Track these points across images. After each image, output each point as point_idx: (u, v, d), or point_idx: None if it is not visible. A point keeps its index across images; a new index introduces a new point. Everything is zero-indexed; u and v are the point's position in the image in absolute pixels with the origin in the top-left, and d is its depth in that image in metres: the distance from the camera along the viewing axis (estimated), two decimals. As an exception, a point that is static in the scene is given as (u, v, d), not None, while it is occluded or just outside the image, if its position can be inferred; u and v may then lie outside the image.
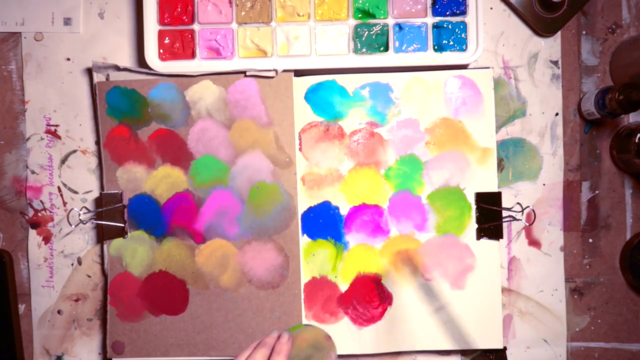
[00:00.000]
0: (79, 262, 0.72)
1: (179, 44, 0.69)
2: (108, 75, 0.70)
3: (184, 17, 0.69)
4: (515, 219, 0.70)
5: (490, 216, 0.69)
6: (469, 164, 0.70)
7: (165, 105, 0.69)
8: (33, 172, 0.72)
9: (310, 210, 0.70)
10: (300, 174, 0.70)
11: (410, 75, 0.70)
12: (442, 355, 0.72)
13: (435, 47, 0.69)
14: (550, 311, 0.72)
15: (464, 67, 0.70)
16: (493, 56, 0.72)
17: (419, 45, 0.69)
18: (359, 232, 0.70)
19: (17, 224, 0.72)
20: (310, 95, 0.70)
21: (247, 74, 0.68)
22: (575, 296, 0.73)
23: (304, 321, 0.69)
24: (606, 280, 0.73)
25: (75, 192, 0.72)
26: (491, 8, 0.72)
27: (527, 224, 0.71)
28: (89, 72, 0.71)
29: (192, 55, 0.69)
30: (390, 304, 0.70)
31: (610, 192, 0.73)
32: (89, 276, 0.72)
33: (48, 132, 0.72)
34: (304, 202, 0.70)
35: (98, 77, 0.70)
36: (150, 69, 0.69)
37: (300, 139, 0.70)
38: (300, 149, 0.70)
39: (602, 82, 0.73)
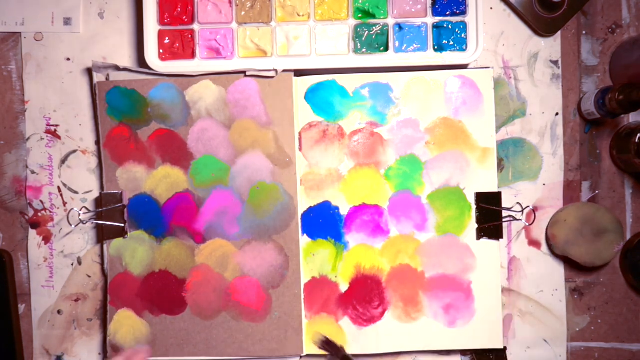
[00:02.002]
0: (79, 262, 0.72)
1: (179, 44, 0.69)
2: (108, 75, 0.69)
3: (184, 17, 0.69)
4: (515, 219, 0.70)
5: (490, 216, 0.69)
6: (469, 163, 0.70)
7: (165, 105, 0.69)
8: (33, 172, 0.72)
9: (310, 210, 0.70)
10: (300, 174, 0.70)
11: (410, 75, 0.70)
12: (442, 355, 0.72)
13: (435, 47, 0.69)
14: (550, 311, 0.72)
15: (464, 67, 0.70)
16: (493, 56, 0.72)
17: (419, 45, 0.69)
18: (359, 232, 0.70)
19: (17, 224, 0.72)
20: (310, 95, 0.70)
21: (247, 74, 0.68)
22: (575, 296, 0.73)
23: (304, 321, 0.69)
24: (606, 280, 0.73)
25: (75, 192, 0.72)
26: (491, 8, 0.72)
27: (527, 224, 0.71)
28: (89, 72, 0.71)
29: (192, 55, 0.69)
30: (390, 303, 0.70)
31: (610, 192, 0.73)
32: (89, 276, 0.72)
33: (48, 132, 0.72)
34: (304, 202, 0.70)
35: (98, 77, 0.69)
36: (150, 69, 0.68)
37: (300, 139, 0.70)
38: (300, 149, 0.70)
39: (602, 82, 0.72)
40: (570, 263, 0.72)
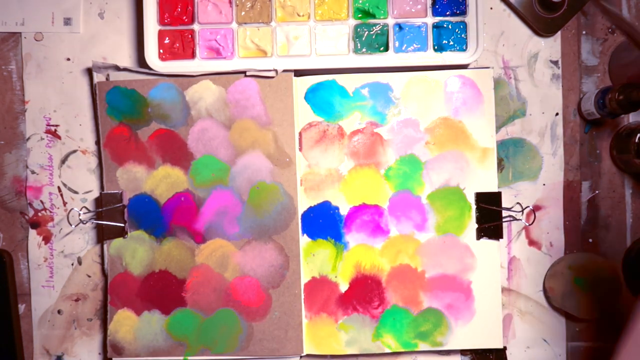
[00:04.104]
0: (79, 262, 0.71)
1: (179, 44, 0.69)
2: (108, 75, 0.69)
3: (184, 17, 0.68)
4: (515, 218, 0.69)
5: (490, 216, 0.69)
6: (468, 163, 0.69)
7: (165, 105, 0.69)
8: (33, 172, 0.71)
9: (310, 210, 0.69)
10: (300, 174, 0.69)
11: (410, 75, 0.69)
12: (442, 355, 0.72)
13: (435, 47, 0.69)
14: (550, 311, 0.72)
15: (464, 67, 0.69)
16: (493, 56, 0.71)
17: (419, 45, 0.69)
18: (359, 232, 0.69)
19: (17, 224, 0.72)
20: (310, 95, 0.69)
21: (247, 74, 0.68)
22: (575, 296, 0.72)
23: (304, 321, 0.69)
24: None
25: (75, 192, 0.71)
26: (491, 8, 0.71)
27: (527, 224, 0.71)
28: (89, 72, 0.71)
29: (192, 55, 0.69)
30: (390, 303, 0.69)
31: (610, 192, 0.72)
32: (89, 276, 0.71)
33: (48, 132, 0.71)
34: (304, 202, 0.69)
35: (98, 77, 0.69)
36: (150, 68, 0.68)
37: (300, 139, 0.69)
38: (300, 149, 0.69)
39: (602, 82, 0.72)
40: (569, 316, 0.71)
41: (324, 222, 0.69)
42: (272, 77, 0.68)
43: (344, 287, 0.69)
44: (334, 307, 0.69)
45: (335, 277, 0.69)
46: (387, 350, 0.69)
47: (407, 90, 0.69)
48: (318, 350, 0.69)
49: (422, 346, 0.69)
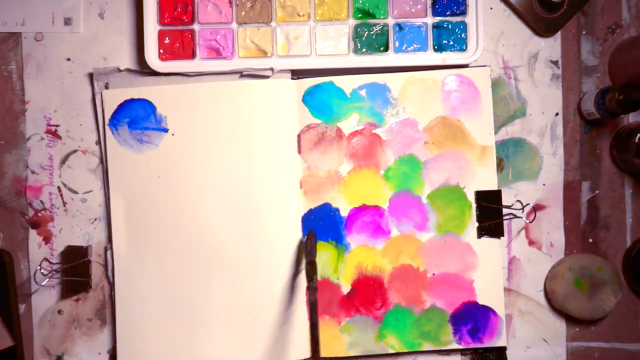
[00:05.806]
0: (80, 262, 0.69)
1: (179, 44, 0.66)
2: (107, 84, 0.66)
3: (184, 17, 0.66)
4: (515, 216, 0.67)
5: (490, 214, 0.67)
6: (468, 162, 0.67)
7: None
8: (33, 172, 0.68)
9: (310, 212, 0.67)
10: (300, 176, 0.67)
11: (407, 75, 0.67)
12: (442, 355, 0.69)
13: (435, 47, 0.66)
14: (550, 311, 0.69)
15: (464, 67, 0.67)
16: (493, 56, 0.69)
17: (419, 45, 0.66)
18: (359, 233, 0.67)
19: (17, 224, 0.69)
20: (308, 98, 0.67)
21: (244, 73, 0.65)
22: (574, 295, 0.70)
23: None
24: (605, 279, 0.70)
25: (75, 192, 0.68)
26: (491, 8, 0.69)
27: (528, 222, 0.68)
28: (90, 74, 0.68)
29: (192, 55, 0.66)
30: (392, 304, 0.67)
31: (610, 192, 0.70)
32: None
33: (48, 132, 0.68)
34: (304, 204, 0.67)
35: (99, 86, 0.66)
36: (150, 69, 0.65)
37: (299, 142, 0.67)
38: (299, 152, 0.67)
39: (602, 82, 0.70)
40: (569, 318, 0.69)
41: (324, 224, 0.67)
42: (268, 77, 0.66)
43: (346, 289, 0.67)
44: (336, 309, 0.67)
45: (337, 279, 0.67)
46: (391, 351, 0.67)
47: (404, 91, 0.67)
48: (322, 353, 0.67)
49: (427, 346, 0.67)
